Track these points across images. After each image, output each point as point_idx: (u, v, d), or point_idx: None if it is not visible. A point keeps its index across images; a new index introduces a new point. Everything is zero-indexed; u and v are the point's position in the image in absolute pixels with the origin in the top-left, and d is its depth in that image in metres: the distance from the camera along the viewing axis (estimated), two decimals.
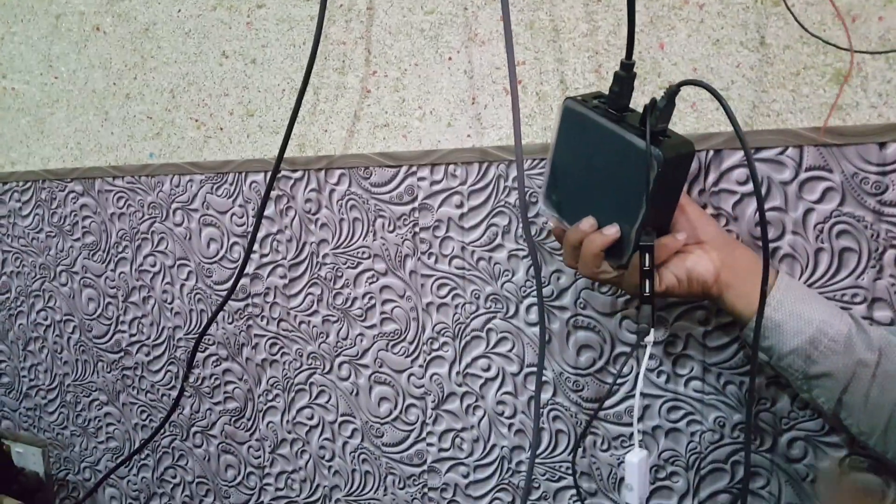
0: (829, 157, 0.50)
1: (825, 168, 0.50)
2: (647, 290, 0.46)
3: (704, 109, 0.53)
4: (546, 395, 0.62)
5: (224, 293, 0.71)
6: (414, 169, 0.64)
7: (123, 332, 0.83)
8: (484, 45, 0.59)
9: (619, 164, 0.46)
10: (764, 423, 0.55)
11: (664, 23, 0.53)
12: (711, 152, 0.53)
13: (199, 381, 0.79)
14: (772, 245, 0.53)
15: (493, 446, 0.66)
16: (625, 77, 0.46)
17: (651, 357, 0.57)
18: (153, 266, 0.78)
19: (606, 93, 0.48)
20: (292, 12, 0.65)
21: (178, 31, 0.71)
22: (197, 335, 0.75)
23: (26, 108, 0.81)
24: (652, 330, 0.48)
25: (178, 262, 0.77)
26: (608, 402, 0.60)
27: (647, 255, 0.46)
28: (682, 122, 0.53)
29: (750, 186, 0.52)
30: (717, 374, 0.56)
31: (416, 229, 0.65)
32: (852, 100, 0.49)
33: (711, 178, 0.53)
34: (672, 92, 0.44)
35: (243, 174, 0.71)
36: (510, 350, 0.63)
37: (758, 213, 0.47)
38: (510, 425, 0.65)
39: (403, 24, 0.61)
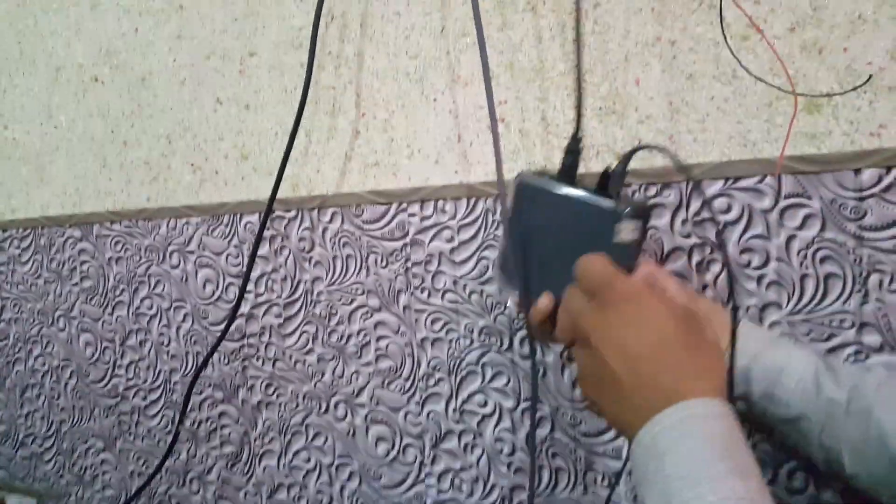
0: (808, 185, 0.53)
1: (804, 195, 0.54)
2: None
3: (682, 141, 0.56)
4: (543, 431, 0.65)
5: (219, 334, 0.75)
6: (404, 205, 0.67)
7: (120, 376, 0.86)
8: (467, 86, 0.63)
9: (584, 228, 0.49)
10: (765, 453, 0.57)
11: (638, 59, 0.57)
12: (691, 183, 0.56)
13: (196, 425, 0.82)
14: (757, 272, 0.55)
15: (493, 486, 0.68)
16: (575, 150, 0.51)
17: None
18: (150, 309, 0.82)
19: (550, 170, 0.53)
20: (283, 60, 0.70)
21: (173, 80, 0.76)
22: (192, 378, 0.78)
23: (27, 157, 0.87)
24: None
25: (174, 305, 0.81)
26: (607, 437, 0.62)
27: None
28: (662, 154, 0.57)
29: (732, 215, 0.56)
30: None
31: (409, 264, 0.68)
32: (825, 128, 0.53)
33: (693, 207, 0.56)
34: (626, 158, 0.49)
35: (238, 215, 0.75)
36: (506, 385, 0.66)
37: (725, 270, 0.50)
38: (509, 463, 0.67)
39: (390, 69, 0.66)
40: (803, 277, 0.54)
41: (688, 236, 0.57)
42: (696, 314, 0.45)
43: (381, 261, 0.69)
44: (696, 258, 0.57)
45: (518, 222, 0.53)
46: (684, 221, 0.57)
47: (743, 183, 0.55)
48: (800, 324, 0.55)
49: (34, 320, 0.91)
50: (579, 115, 0.52)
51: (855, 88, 0.51)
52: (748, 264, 0.56)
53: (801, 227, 0.54)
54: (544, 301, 0.52)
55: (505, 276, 0.55)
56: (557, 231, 0.51)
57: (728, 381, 0.47)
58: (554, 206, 0.51)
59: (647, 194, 0.58)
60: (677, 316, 0.43)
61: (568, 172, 0.52)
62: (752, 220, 0.55)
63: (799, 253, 0.54)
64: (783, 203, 0.54)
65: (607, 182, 0.49)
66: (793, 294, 0.55)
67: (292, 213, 0.72)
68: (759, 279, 0.56)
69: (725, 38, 0.54)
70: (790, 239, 0.54)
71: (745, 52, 0.54)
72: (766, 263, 0.55)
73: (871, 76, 0.51)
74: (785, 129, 0.54)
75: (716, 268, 0.57)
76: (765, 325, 0.56)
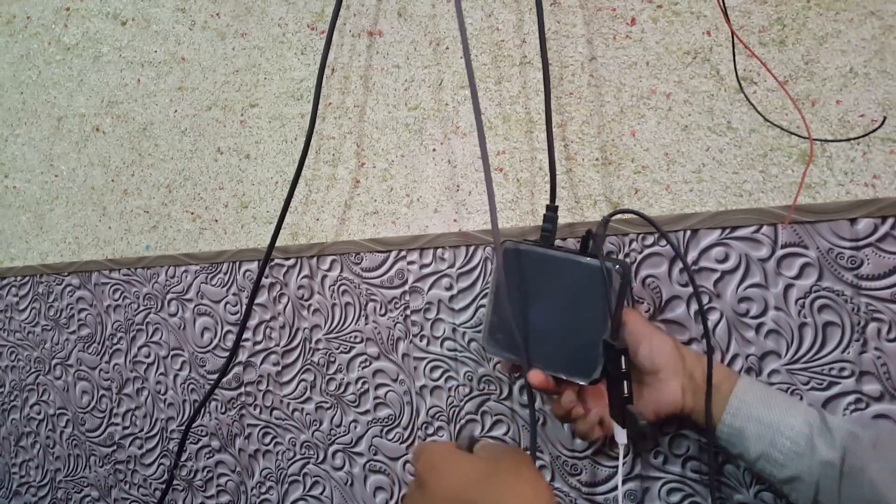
0: (804, 234, 0.53)
1: (800, 245, 0.53)
2: (627, 392, 0.49)
3: (679, 191, 0.56)
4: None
5: (214, 381, 0.73)
6: (403, 253, 0.66)
7: (117, 424, 0.83)
8: (465, 137, 0.63)
9: (572, 288, 0.52)
10: (764, 502, 0.55)
11: (633, 112, 0.57)
12: (689, 232, 0.55)
13: (192, 475, 0.79)
14: (756, 321, 0.54)
15: None
16: (553, 217, 0.54)
17: (646, 438, 0.58)
18: (147, 357, 0.80)
19: (530, 238, 0.58)
20: (284, 111, 0.70)
21: (174, 130, 0.76)
22: (186, 426, 0.76)
23: (27, 206, 0.85)
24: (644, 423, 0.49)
25: (171, 353, 0.79)
26: (607, 486, 0.60)
27: (622, 358, 0.49)
28: (658, 204, 0.56)
29: (730, 264, 0.55)
30: (715, 454, 0.56)
31: (408, 312, 0.67)
32: (820, 178, 0.52)
33: (691, 256, 0.56)
34: (606, 221, 0.52)
35: (237, 263, 0.74)
36: (506, 433, 0.64)
37: (701, 320, 0.51)
38: None
39: (389, 120, 0.65)
40: (802, 326, 0.53)
41: (685, 285, 0.56)
42: (498, 466, 0.42)
43: (380, 308, 0.68)
44: (694, 307, 0.56)
45: (505, 286, 0.55)
46: (682, 270, 0.56)
47: (740, 232, 0.54)
48: (799, 372, 0.54)
49: (31, 368, 0.88)
50: (554, 187, 0.55)
51: (874, 131, 0.51)
52: (746, 313, 0.55)
53: (798, 276, 0.53)
54: (538, 377, 0.53)
55: (493, 344, 0.56)
56: (546, 293, 0.53)
57: (707, 437, 0.47)
58: (541, 270, 0.53)
59: (644, 243, 0.57)
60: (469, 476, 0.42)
61: (548, 238, 0.55)
62: (750, 270, 0.54)
63: (797, 302, 0.53)
64: (780, 252, 0.54)
65: (588, 244, 0.53)
66: (791, 343, 0.54)
67: (291, 261, 0.71)
68: (758, 328, 0.55)
69: (741, 86, 0.54)
70: (788, 288, 0.54)
71: (740, 104, 0.54)
72: (764, 312, 0.54)
73: (885, 118, 0.51)
74: (780, 178, 0.53)
75: (714, 316, 0.56)
76: (764, 375, 0.54)
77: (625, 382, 0.49)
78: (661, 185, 0.56)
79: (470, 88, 0.58)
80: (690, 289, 0.56)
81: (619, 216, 0.56)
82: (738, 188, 0.54)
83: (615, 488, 0.60)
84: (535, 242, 0.55)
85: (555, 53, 0.59)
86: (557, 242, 0.58)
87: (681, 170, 0.55)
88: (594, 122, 0.58)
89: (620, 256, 0.57)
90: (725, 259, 0.55)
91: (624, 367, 0.49)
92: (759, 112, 0.53)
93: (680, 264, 0.56)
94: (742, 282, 0.55)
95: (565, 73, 0.58)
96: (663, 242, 0.56)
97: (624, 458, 0.59)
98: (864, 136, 0.51)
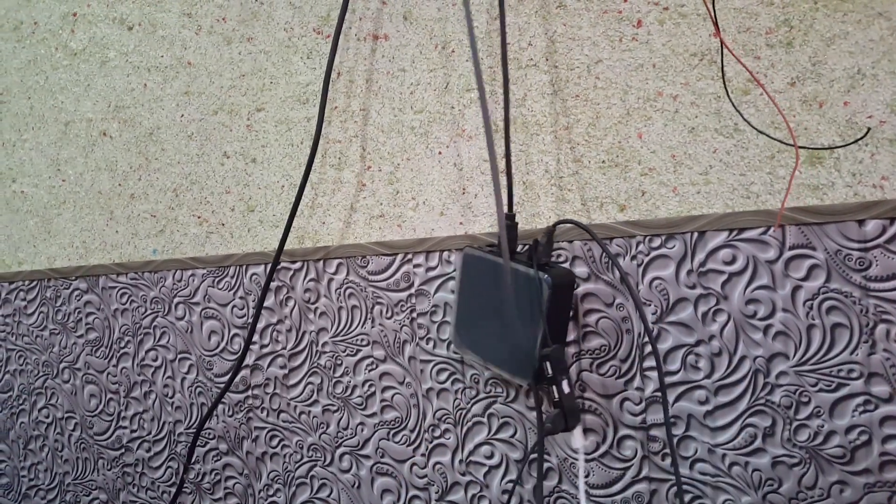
0: (811, 236, 0.52)
1: (808, 246, 0.52)
2: (556, 396, 0.54)
3: (686, 193, 0.55)
4: (551, 483, 0.62)
5: (224, 385, 0.72)
6: (409, 256, 0.66)
7: (124, 427, 0.83)
8: (471, 140, 0.62)
9: (520, 294, 0.55)
10: None
11: (640, 114, 0.56)
12: (696, 234, 0.55)
13: (200, 477, 0.79)
14: (763, 323, 0.54)
15: None
16: (511, 225, 0.57)
17: (654, 440, 0.57)
18: (155, 360, 0.80)
19: (494, 243, 0.60)
20: (290, 115, 0.69)
21: (181, 135, 0.75)
22: (196, 429, 0.75)
23: (34, 210, 0.85)
24: (578, 429, 0.54)
25: (179, 356, 0.78)
26: (615, 488, 0.60)
27: (547, 364, 0.53)
28: (665, 206, 0.55)
29: (737, 266, 0.54)
30: (722, 455, 0.55)
31: (414, 315, 0.66)
32: (828, 180, 0.51)
33: (698, 258, 0.55)
34: (549, 231, 0.56)
35: (244, 267, 0.73)
36: (512, 436, 0.63)
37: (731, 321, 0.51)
38: None
39: (395, 123, 0.65)
40: (810, 328, 0.53)
41: (693, 287, 0.55)
42: None
43: (387, 311, 0.67)
44: (701, 309, 0.55)
45: (465, 289, 0.59)
46: (689, 272, 0.55)
47: (747, 234, 0.54)
48: (807, 374, 0.53)
49: (39, 372, 0.88)
50: (511, 195, 0.58)
51: (856, 141, 0.50)
52: (754, 315, 0.54)
53: (806, 277, 0.53)
54: None
55: (458, 338, 0.61)
56: (493, 295, 0.56)
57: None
58: (492, 274, 0.57)
59: (650, 245, 0.56)
60: None
61: (509, 245, 0.57)
62: (758, 271, 0.54)
63: (805, 303, 0.53)
64: (788, 254, 0.53)
65: (533, 253, 0.56)
66: (800, 344, 0.53)
67: (298, 265, 0.71)
68: (766, 329, 0.54)
69: (728, 91, 0.54)
70: (796, 289, 0.53)
71: (747, 106, 0.53)
72: (772, 314, 0.54)
73: (869, 129, 0.50)
74: (787, 180, 0.53)
75: (721, 318, 0.55)
76: (772, 377, 0.54)
77: (553, 388, 0.53)
78: (668, 188, 0.55)
79: (478, 92, 0.57)
80: (698, 291, 0.55)
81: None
82: (745, 190, 0.53)
83: (624, 489, 0.59)
84: (493, 249, 0.59)
85: (561, 56, 0.58)
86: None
87: (688, 172, 0.55)
88: (600, 125, 0.57)
89: (627, 259, 0.57)
90: (733, 261, 0.54)
91: (549, 372, 0.53)
92: (746, 121, 0.52)
93: (687, 266, 0.55)
94: (749, 283, 0.54)
95: (571, 75, 0.58)
96: (670, 244, 0.55)
97: (586, 460, 0.60)
98: (846, 144, 0.50)
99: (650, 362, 0.57)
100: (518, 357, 0.55)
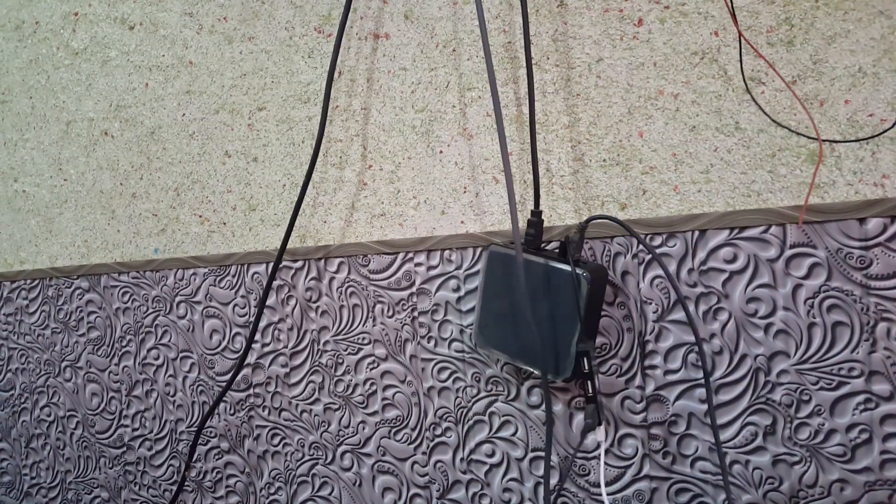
0: (813, 234, 0.52)
1: (809, 245, 0.52)
2: (591, 391, 0.54)
3: (687, 192, 0.55)
4: (553, 481, 0.61)
5: (226, 384, 0.72)
6: (411, 255, 0.65)
7: (126, 426, 0.82)
8: (472, 139, 0.62)
9: (547, 291, 0.54)
10: (774, 503, 0.54)
11: (641, 112, 0.55)
12: (697, 233, 0.54)
13: (201, 476, 0.78)
14: (764, 321, 0.53)
15: None
16: (536, 222, 0.56)
17: (654, 438, 0.57)
18: (156, 359, 0.79)
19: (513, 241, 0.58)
20: (291, 114, 0.69)
21: (182, 134, 0.74)
22: (197, 428, 0.75)
23: (36, 209, 0.84)
24: (602, 426, 0.55)
25: (181, 355, 0.78)
26: (616, 486, 0.59)
27: (584, 359, 0.53)
28: (666, 205, 0.55)
29: (738, 264, 0.54)
30: (724, 453, 0.55)
31: (415, 314, 0.66)
32: (829, 178, 0.51)
33: (699, 257, 0.54)
34: (582, 227, 0.54)
35: (245, 266, 0.73)
36: (514, 434, 0.63)
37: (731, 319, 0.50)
38: None
39: (396, 122, 0.64)
40: (811, 326, 0.52)
41: (694, 285, 0.55)
42: None
43: (388, 310, 0.67)
44: (702, 307, 0.55)
45: (491, 287, 0.58)
46: (690, 271, 0.55)
47: (748, 233, 0.53)
48: (808, 372, 0.53)
49: (40, 371, 0.87)
50: (537, 193, 0.57)
51: (885, 132, 0.50)
52: (755, 313, 0.54)
53: (807, 276, 0.52)
54: None
55: (483, 338, 0.60)
56: (523, 294, 0.55)
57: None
58: (520, 272, 0.55)
59: (652, 244, 0.56)
60: None
61: (532, 242, 0.57)
62: (758, 270, 0.53)
63: (806, 302, 0.52)
64: (789, 252, 0.52)
65: (566, 249, 0.55)
66: (800, 343, 0.53)
67: (299, 264, 0.70)
68: (767, 328, 0.53)
69: (748, 87, 0.53)
70: (797, 288, 0.52)
71: (750, 104, 0.53)
72: (773, 312, 0.53)
73: (889, 128, 0.50)
74: (788, 179, 0.52)
75: (722, 316, 0.54)
76: (773, 375, 0.53)
77: (588, 382, 0.54)
78: (669, 186, 0.55)
79: (491, 89, 0.57)
80: (699, 289, 0.55)
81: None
82: (746, 188, 0.53)
83: (625, 488, 0.59)
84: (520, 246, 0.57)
85: (562, 55, 0.58)
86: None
87: (689, 170, 0.54)
88: (602, 123, 0.57)
89: (628, 258, 0.56)
90: (734, 259, 0.54)
91: (587, 368, 0.53)
92: (765, 113, 0.52)
93: (688, 265, 0.55)
94: (751, 282, 0.53)
95: (572, 74, 0.57)
96: (671, 243, 0.55)
97: (586, 458, 0.60)
98: (873, 136, 0.50)
99: (651, 360, 0.57)
100: (554, 354, 0.54)
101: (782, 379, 0.53)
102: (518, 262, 0.54)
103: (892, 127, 0.49)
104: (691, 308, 0.55)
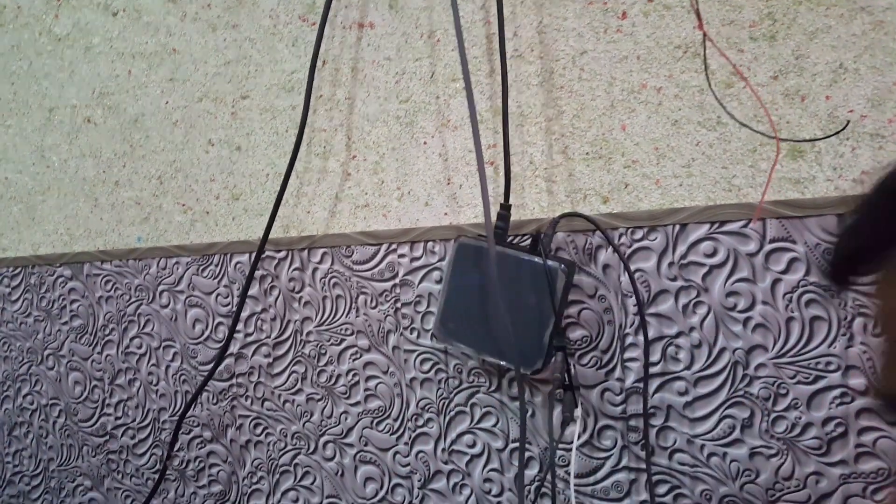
0: (792, 229, 0.51)
1: (788, 239, 0.51)
2: (568, 380, 0.54)
3: (668, 186, 0.53)
4: (532, 472, 0.60)
5: (208, 373, 0.70)
6: (394, 246, 0.64)
7: (109, 415, 0.80)
8: (456, 130, 0.60)
9: (522, 284, 0.53)
10: (750, 495, 0.53)
11: (624, 106, 0.54)
12: (678, 226, 0.53)
13: (184, 465, 0.76)
14: (743, 315, 0.52)
15: None
16: (505, 215, 0.55)
17: (633, 430, 0.56)
18: (139, 348, 0.77)
19: (483, 235, 0.57)
20: (275, 103, 0.67)
21: (165, 122, 0.72)
22: (179, 417, 0.73)
23: (18, 196, 0.82)
24: (578, 410, 0.55)
25: (163, 344, 0.76)
26: (595, 477, 0.58)
27: (560, 353, 0.53)
28: (648, 199, 0.54)
29: (718, 258, 0.53)
30: (701, 446, 0.54)
31: (398, 305, 0.64)
32: (808, 174, 0.50)
33: (679, 251, 0.53)
34: (554, 222, 0.53)
35: (228, 255, 0.71)
36: (495, 425, 0.62)
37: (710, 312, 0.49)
38: (498, 503, 0.62)
39: (380, 113, 0.63)
40: (789, 320, 0.51)
41: (674, 279, 0.54)
42: None
43: (371, 301, 0.65)
44: (682, 301, 0.54)
45: (458, 280, 0.57)
46: (671, 264, 0.54)
47: (728, 227, 0.52)
48: (786, 366, 0.52)
49: (23, 359, 0.85)
50: (508, 186, 0.55)
51: (835, 134, 0.49)
52: (734, 307, 0.53)
53: (786, 270, 0.51)
54: None
55: (445, 331, 0.58)
56: (493, 286, 0.54)
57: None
58: (486, 264, 0.55)
59: (633, 237, 0.55)
60: None
61: (501, 236, 0.56)
62: (738, 264, 0.52)
63: (784, 296, 0.51)
64: (768, 247, 0.51)
65: (537, 243, 0.54)
66: (779, 337, 0.52)
67: (282, 254, 0.68)
68: (745, 322, 0.52)
69: (710, 84, 0.52)
70: (776, 282, 0.52)
71: (730, 99, 0.52)
72: (752, 306, 0.52)
73: (848, 122, 0.49)
74: (768, 174, 0.51)
75: (702, 310, 0.53)
76: (751, 368, 0.52)
77: (565, 375, 0.54)
78: (651, 180, 0.54)
79: (465, 81, 0.55)
80: (679, 283, 0.54)
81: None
82: (727, 183, 0.52)
83: (604, 479, 0.58)
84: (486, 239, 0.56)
85: (546, 47, 0.56)
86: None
87: (671, 164, 0.53)
88: (585, 116, 0.55)
89: (609, 251, 0.55)
90: (714, 253, 0.53)
91: (559, 359, 0.53)
92: (729, 113, 0.51)
93: (669, 258, 0.54)
94: (730, 276, 0.52)
95: (556, 66, 0.56)
96: (652, 237, 0.54)
97: (566, 449, 0.59)
98: (826, 137, 0.49)
99: (631, 353, 0.56)
100: (524, 346, 0.53)
101: (760, 373, 0.52)
102: (490, 255, 0.52)
103: (843, 129, 0.48)
104: (670, 302, 0.54)
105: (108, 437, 0.81)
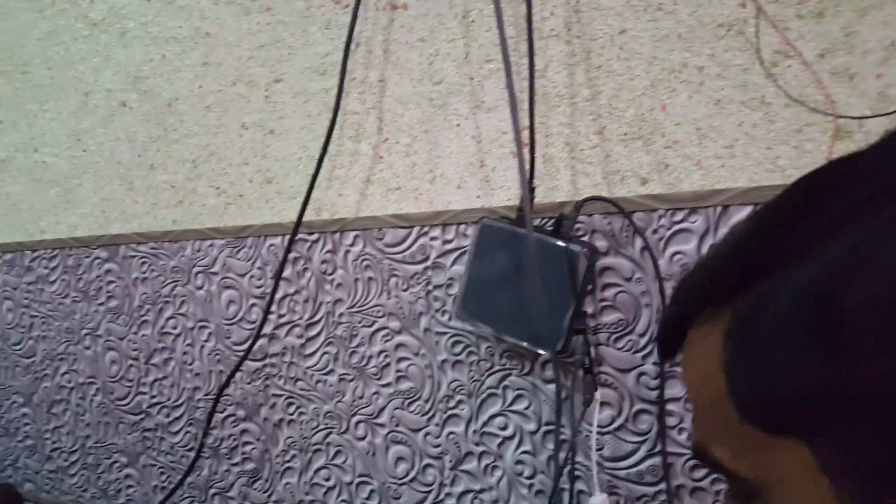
0: None
1: None
2: (588, 363, 0.54)
3: (710, 167, 0.52)
4: (565, 454, 0.60)
5: (242, 354, 0.71)
6: (426, 229, 0.63)
7: (144, 393, 0.82)
8: (490, 112, 0.59)
9: (544, 266, 0.53)
10: None
11: (664, 85, 0.53)
12: (719, 208, 0.52)
13: (218, 442, 0.78)
14: None
15: None
16: (531, 197, 0.55)
17: (671, 414, 0.55)
18: (174, 328, 0.78)
19: (508, 216, 0.57)
20: (308, 86, 0.67)
21: (199, 106, 0.72)
22: (215, 396, 0.74)
23: (55, 180, 0.83)
24: (597, 392, 0.55)
25: (198, 324, 0.77)
26: (631, 461, 0.58)
27: (582, 337, 0.53)
28: (689, 180, 0.53)
29: None
30: None
31: (430, 287, 0.64)
32: None
33: (721, 233, 0.52)
34: (578, 206, 0.53)
35: (262, 238, 0.71)
36: (527, 408, 0.61)
37: None
38: (530, 485, 0.62)
39: (413, 95, 0.62)
40: None
41: None
42: None
43: (402, 284, 0.65)
44: None
45: (480, 261, 0.57)
46: (712, 247, 0.53)
47: None
48: None
49: (61, 338, 0.87)
50: (532, 167, 0.55)
51: (888, 114, 0.47)
52: None
53: None
54: None
55: (466, 311, 0.58)
56: (516, 268, 0.54)
57: None
58: (514, 247, 0.54)
59: (672, 219, 0.53)
60: None
61: (524, 218, 0.55)
62: None
63: None
64: None
65: (560, 226, 0.54)
66: None
67: (315, 237, 0.68)
68: None
69: (762, 61, 0.50)
70: None
71: (775, 79, 0.50)
72: None
73: None
74: (815, 155, 0.50)
75: None
76: None
77: (585, 358, 0.54)
78: (692, 161, 0.53)
79: (503, 62, 0.55)
80: None
81: (623, 197, 0.53)
82: (771, 164, 0.51)
83: (639, 463, 0.57)
84: (513, 221, 0.56)
85: (583, 26, 0.55)
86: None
87: (712, 145, 0.52)
88: (623, 97, 0.54)
89: (648, 233, 0.54)
90: None
91: (581, 341, 0.53)
92: (782, 89, 0.49)
93: (710, 241, 0.53)
94: None
95: (594, 46, 0.55)
96: (693, 219, 0.53)
97: (600, 433, 0.59)
98: (882, 115, 0.47)
99: None
100: (545, 328, 0.53)
101: None
102: (529, 238, 0.52)
103: None
104: None
105: (143, 415, 0.82)
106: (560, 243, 0.52)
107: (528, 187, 0.55)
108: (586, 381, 0.55)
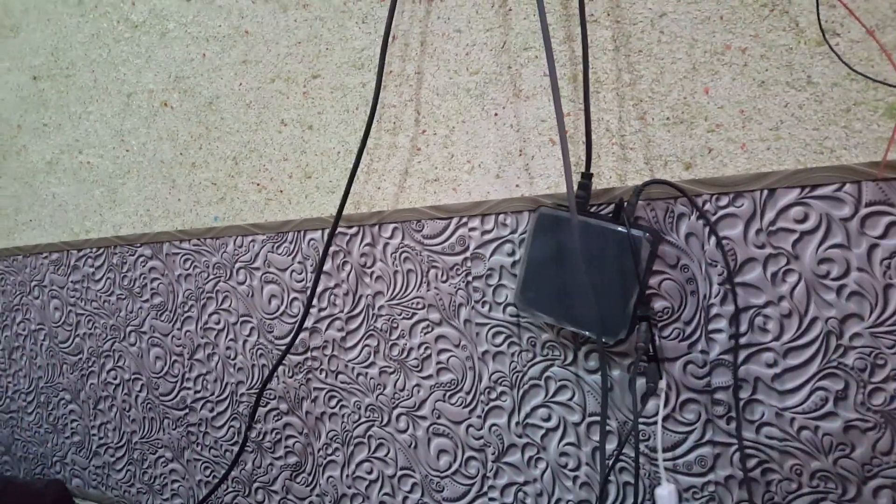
0: (891, 192, 0.49)
1: (887, 203, 0.49)
2: (652, 350, 0.55)
3: (755, 150, 0.52)
4: (611, 446, 0.61)
5: (284, 347, 0.73)
6: (465, 220, 0.65)
7: (188, 388, 0.85)
8: (528, 101, 0.60)
9: (604, 253, 0.53)
10: (845, 470, 0.52)
11: (706, 68, 0.53)
12: (766, 192, 0.52)
13: (261, 436, 0.80)
14: (837, 283, 0.51)
15: (559, 501, 0.64)
16: (586, 184, 0.55)
17: (718, 403, 0.56)
18: (217, 324, 0.81)
19: (565, 203, 0.58)
20: (345, 81, 0.69)
21: (239, 103, 0.75)
22: (258, 390, 0.76)
23: (100, 180, 0.87)
24: (662, 382, 0.56)
25: (241, 319, 0.79)
26: (678, 451, 0.58)
27: (645, 322, 0.54)
28: (733, 164, 0.53)
29: (809, 224, 0.51)
30: (791, 419, 0.53)
31: (469, 278, 0.65)
32: None
33: (768, 217, 0.52)
34: (638, 190, 0.53)
35: (302, 233, 0.73)
36: (570, 399, 0.62)
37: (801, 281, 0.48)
38: (575, 478, 0.63)
39: (450, 86, 0.63)
40: (887, 287, 0.50)
41: (762, 247, 0.53)
42: None
43: (442, 275, 0.66)
44: (770, 269, 0.53)
45: (538, 249, 0.57)
46: (759, 231, 0.53)
47: (820, 191, 0.51)
48: (884, 336, 0.50)
49: (107, 335, 0.90)
50: (589, 155, 0.55)
51: None
52: (826, 275, 0.51)
53: (883, 235, 0.50)
54: None
55: (525, 301, 0.59)
56: (575, 255, 0.55)
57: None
58: (569, 234, 0.55)
59: (718, 204, 0.54)
60: None
61: (583, 205, 0.56)
62: (831, 230, 0.51)
63: (882, 262, 0.50)
64: (864, 211, 0.50)
65: (620, 212, 0.54)
66: (876, 305, 0.50)
67: (354, 230, 0.70)
68: (839, 290, 0.51)
69: (825, 37, 0.50)
70: (872, 248, 0.50)
71: (821, 57, 0.50)
72: (846, 273, 0.51)
73: None
74: (864, 134, 0.49)
75: (792, 278, 0.52)
76: (845, 338, 0.51)
77: (650, 345, 0.54)
78: (737, 144, 0.53)
79: (546, 49, 0.56)
80: (767, 251, 0.53)
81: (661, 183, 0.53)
82: (818, 145, 0.50)
83: (686, 453, 0.57)
84: (569, 209, 0.56)
85: (622, 11, 0.56)
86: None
87: (757, 127, 0.52)
88: (665, 80, 0.54)
89: (692, 219, 0.54)
90: (805, 219, 0.51)
91: (644, 329, 0.53)
92: (844, 62, 0.49)
93: (756, 225, 0.53)
94: (822, 242, 0.51)
95: (634, 30, 0.55)
96: (739, 203, 0.53)
97: (646, 424, 0.59)
98: None
99: (715, 324, 0.55)
100: (607, 316, 0.54)
101: (855, 342, 0.51)
102: (574, 225, 0.52)
103: None
104: (758, 270, 0.53)
105: (187, 410, 0.85)
106: (621, 229, 0.53)
107: (587, 174, 0.56)
108: (650, 369, 0.55)
